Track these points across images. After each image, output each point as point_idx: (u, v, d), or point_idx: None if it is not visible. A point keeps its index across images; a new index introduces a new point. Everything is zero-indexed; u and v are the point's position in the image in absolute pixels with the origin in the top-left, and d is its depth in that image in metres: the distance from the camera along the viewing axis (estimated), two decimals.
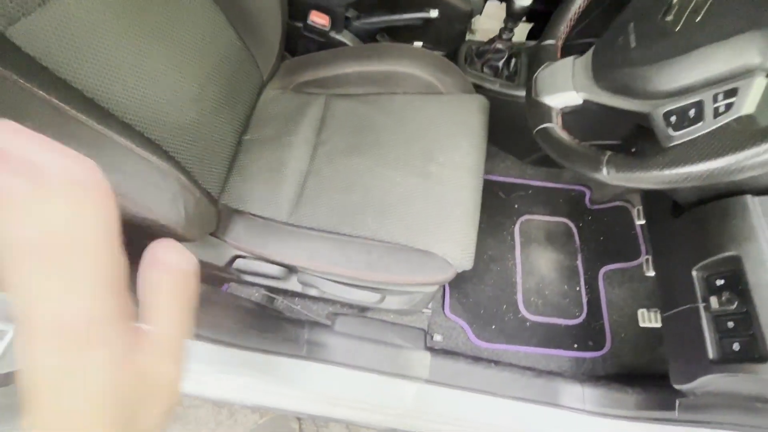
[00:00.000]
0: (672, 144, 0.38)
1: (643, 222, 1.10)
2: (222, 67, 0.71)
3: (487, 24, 1.35)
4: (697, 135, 0.37)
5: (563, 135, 0.48)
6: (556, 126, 0.50)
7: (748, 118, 0.35)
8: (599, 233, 1.15)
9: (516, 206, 1.18)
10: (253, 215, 0.73)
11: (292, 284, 0.81)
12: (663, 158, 0.38)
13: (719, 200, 0.52)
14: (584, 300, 1.07)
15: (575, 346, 1.02)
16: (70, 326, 0.14)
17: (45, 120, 0.41)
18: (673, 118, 0.39)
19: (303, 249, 0.69)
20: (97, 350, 0.14)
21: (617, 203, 1.16)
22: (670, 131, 0.39)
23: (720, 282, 0.51)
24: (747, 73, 0.36)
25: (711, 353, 0.50)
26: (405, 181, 0.73)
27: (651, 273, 1.03)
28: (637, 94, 0.43)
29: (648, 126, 0.41)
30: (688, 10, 0.40)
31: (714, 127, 0.36)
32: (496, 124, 0.84)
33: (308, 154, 0.77)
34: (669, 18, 0.41)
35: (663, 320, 0.63)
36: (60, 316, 0.14)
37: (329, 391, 0.76)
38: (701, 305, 0.52)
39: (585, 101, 0.49)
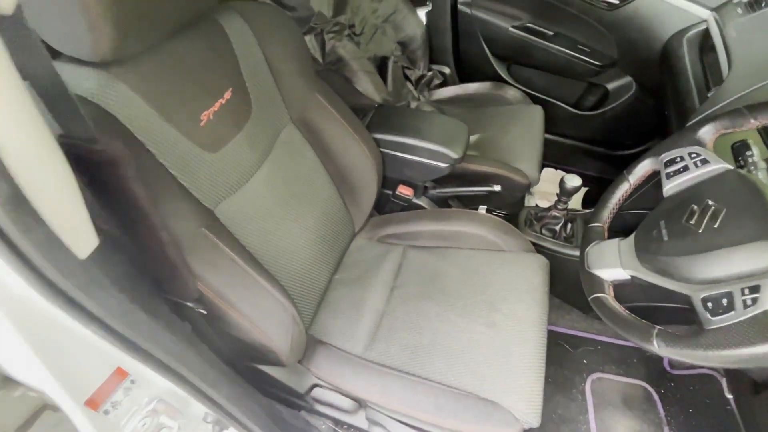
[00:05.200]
0: (711, 327, 0.44)
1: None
2: (326, 222, 0.92)
3: (545, 187, 1.55)
4: (731, 322, 0.43)
5: (615, 305, 0.56)
6: (609, 296, 0.58)
7: None
8: (687, 404, 1.04)
9: (585, 362, 1.14)
10: (334, 347, 0.83)
11: (360, 420, 0.84)
12: (705, 339, 0.43)
13: None
14: None
15: None
16: None
17: (225, 268, 0.60)
18: (710, 304, 0.45)
19: (375, 384, 0.76)
20: None
21: (702, 371, 1.08)
22: (708, 315, 0.45)
23: None
24: (766, 272, 0.44)
25: None
26: (471, 327, 0.80)
27: None
28: (676, 278, 0.51)
29: (691, 306, 0.48)
30: (707, 218, 0.51)
31: (745, 317, 0.42)
32: (558, 279, 0.92)
33: (385, 296, 0.90)
34: (692, 221, 0.52)
35: None
36: None
37: None
38: None
39: (633, 277, 0.58)
